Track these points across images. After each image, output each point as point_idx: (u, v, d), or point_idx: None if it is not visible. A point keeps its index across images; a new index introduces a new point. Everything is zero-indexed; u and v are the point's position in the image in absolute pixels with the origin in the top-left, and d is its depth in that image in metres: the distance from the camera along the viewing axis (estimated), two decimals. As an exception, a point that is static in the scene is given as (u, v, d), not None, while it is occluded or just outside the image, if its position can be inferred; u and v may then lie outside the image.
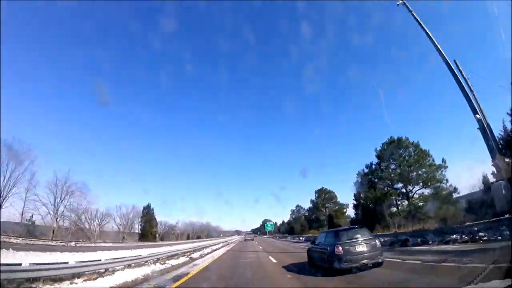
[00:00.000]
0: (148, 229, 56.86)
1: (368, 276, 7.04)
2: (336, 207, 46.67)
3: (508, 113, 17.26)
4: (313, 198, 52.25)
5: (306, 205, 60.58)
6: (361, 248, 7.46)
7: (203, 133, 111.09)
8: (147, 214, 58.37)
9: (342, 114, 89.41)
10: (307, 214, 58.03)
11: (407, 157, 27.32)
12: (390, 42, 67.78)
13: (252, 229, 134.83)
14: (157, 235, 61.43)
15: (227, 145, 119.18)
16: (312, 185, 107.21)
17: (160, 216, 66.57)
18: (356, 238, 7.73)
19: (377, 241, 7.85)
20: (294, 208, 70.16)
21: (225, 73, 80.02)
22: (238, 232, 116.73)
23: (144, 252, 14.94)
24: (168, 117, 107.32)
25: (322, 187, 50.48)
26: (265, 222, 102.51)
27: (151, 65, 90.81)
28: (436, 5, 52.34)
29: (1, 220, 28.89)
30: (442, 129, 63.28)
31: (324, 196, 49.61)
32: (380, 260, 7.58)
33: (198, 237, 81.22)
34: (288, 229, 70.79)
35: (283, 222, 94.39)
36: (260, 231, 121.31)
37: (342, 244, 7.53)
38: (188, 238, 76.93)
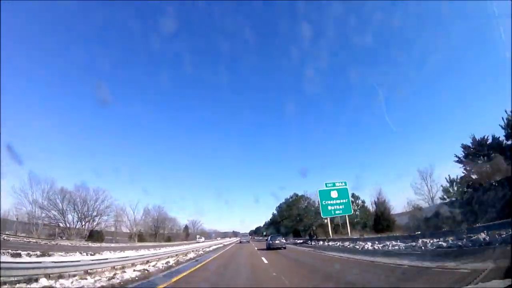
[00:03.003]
0: None
1: (279, 251, 22.00)
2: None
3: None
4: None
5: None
6: (277, 241, 23.01)
7: (202, 132, 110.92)
8: None
9: (342, 113, 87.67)
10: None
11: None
12: (391, 42, 68.11)
13: (250, 230, 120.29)
14: None
15: (226, 145, 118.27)
16: (313, 184, 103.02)
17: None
18: (276, 238, 23.53)
19: (283, 240, 23.59)
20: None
21: (225, 73, 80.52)
22: (235, 234, 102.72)
23: None
24: (167, 116, 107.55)
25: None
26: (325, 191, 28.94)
27: (151, 65, 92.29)
28: (436, 5, 52.01)
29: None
30: (442, 128, 63.19)
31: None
32: (284, 246, 22.98)
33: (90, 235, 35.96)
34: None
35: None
36: (278, 227, 62.71)
37: (271, 240, 23.32)
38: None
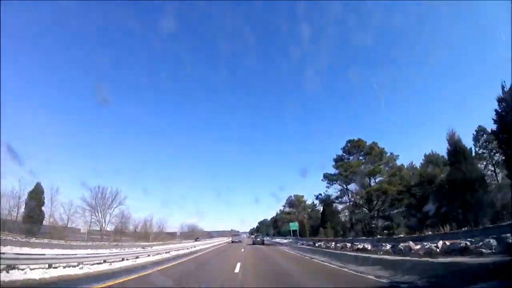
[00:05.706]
0: None
1: (259, 246, 32.25)
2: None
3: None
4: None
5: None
6: (259, 239, 34.72)
7: (202, 132, 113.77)
8: None
9: (342, 113, 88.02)
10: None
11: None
12: (391, 42, 69.92)
13: (251, 229, 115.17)
14: None
15: (226, 144, 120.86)
16: (313, 185, 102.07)
17: None
18: (258, 237, 35.81)
19: (264, 238, 35.80)
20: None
21: (225, 73, 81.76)
22: (232, 232, 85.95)
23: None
24: (167, 116, 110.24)
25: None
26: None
27: (151, 65, 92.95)
28: (436, 5, 53.17)
29: None
30: (441, 128, 61.43)
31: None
32: (264, 242, 34.56)
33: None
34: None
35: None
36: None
37: (255, 238, 35.20)
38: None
